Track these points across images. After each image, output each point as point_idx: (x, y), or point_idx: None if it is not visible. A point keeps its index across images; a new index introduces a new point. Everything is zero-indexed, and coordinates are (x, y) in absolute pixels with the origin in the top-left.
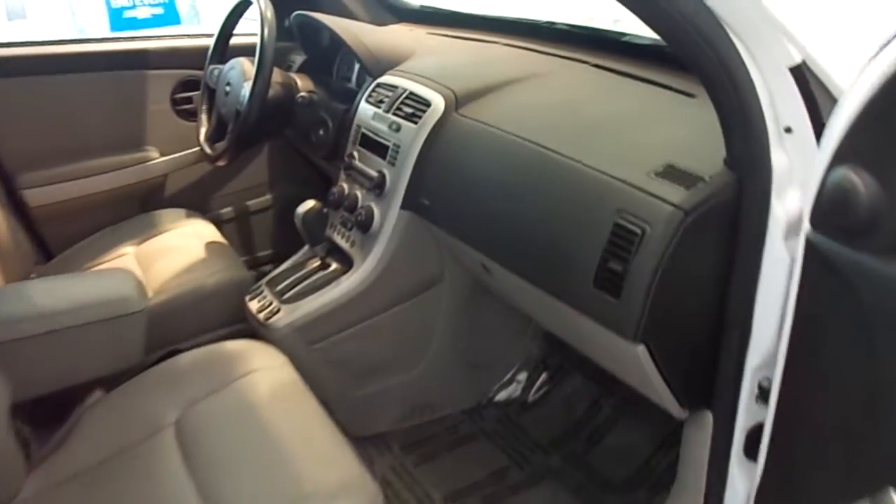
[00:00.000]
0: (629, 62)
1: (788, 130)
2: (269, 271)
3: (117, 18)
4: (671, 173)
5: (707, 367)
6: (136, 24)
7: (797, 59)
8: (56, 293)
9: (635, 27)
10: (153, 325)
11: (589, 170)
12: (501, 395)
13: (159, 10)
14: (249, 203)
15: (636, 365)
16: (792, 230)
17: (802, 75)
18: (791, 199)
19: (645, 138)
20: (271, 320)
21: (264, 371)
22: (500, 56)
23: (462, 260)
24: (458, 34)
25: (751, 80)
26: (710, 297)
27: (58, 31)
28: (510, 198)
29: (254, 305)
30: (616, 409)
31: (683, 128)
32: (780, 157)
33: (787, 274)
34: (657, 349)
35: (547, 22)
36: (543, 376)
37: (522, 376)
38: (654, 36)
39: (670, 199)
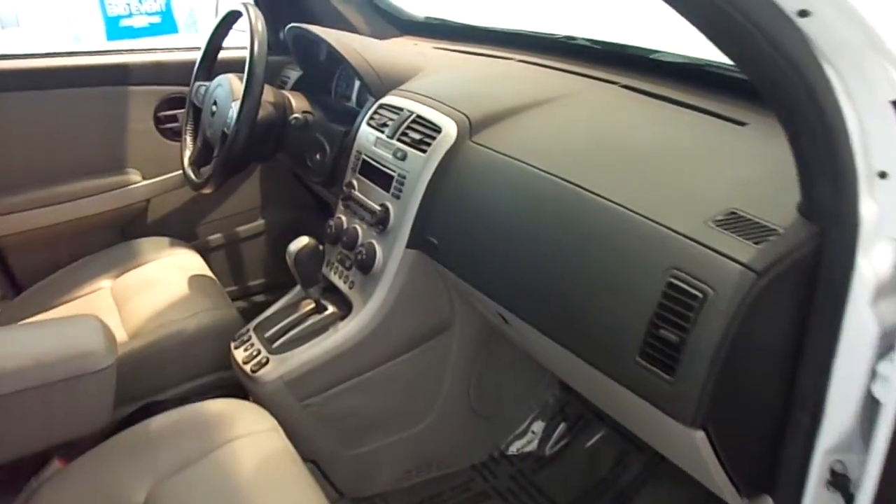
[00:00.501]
0: (663, 84)
1: (883, 176)
2: (262, 303)
3: (114, 27)
4: (735, 223)
5: (770, 448)
6: (132, 32)
7: None
8: (6, 347)
9: (667, 44)
10: (126, 374)
11: (635, 216)
12: (515, 448)
13: (156, 19)
14: (240, 229)
15: (690, 451)
16: (881, 293)
17: None
18: (881, 257)
19: (697, 178)
20: (259, 373)
21: (249, 438)
22: (516, 75)
23: (475, 306)
24: (467, 49)
25: (843, 116)
26: (778, 371)
27: (52, 39)
28: (535, 243)
29: (240, 354)
30: (645, 466)
31: (740, 164)
32: (869, 207)
33: (873, 344)
34: (718, 434)
35: (565, 37)
36: (562, 427)
37: (538, 427)
38: (690, 54)
39: (738, 256)
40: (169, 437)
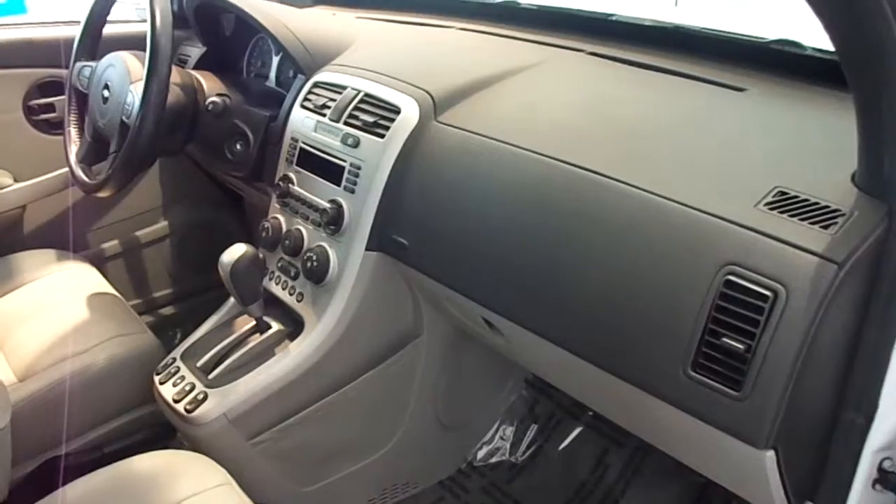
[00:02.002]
0: (632, 49)
1: None
2: (170, 315)
3: None
4: (789, 204)
5: (820, 452)
6: None
7: None
8: None
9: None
10: (21, 426)
11: (673, 204)
12: (484, 458)
13: None
14: (139, 234)
15: (753, 472)
16: None
17: None
18: None
19: (722, 154)
20: (196, 412)
21: (199, 498)
22: (470, 45)
23: (449, 311)
24: (396, 18)
25: None
26: (833, 369)
27: None
28: (536, 238)
29: (168, 391)
30: (627, 463)
31: (760, 135)
32: None
33: None
34: (786, 452)
35: (508, 2)
36: (532, 429)
37: (508, 432)
38: (652, 15)
39: (811, 245)
40: None
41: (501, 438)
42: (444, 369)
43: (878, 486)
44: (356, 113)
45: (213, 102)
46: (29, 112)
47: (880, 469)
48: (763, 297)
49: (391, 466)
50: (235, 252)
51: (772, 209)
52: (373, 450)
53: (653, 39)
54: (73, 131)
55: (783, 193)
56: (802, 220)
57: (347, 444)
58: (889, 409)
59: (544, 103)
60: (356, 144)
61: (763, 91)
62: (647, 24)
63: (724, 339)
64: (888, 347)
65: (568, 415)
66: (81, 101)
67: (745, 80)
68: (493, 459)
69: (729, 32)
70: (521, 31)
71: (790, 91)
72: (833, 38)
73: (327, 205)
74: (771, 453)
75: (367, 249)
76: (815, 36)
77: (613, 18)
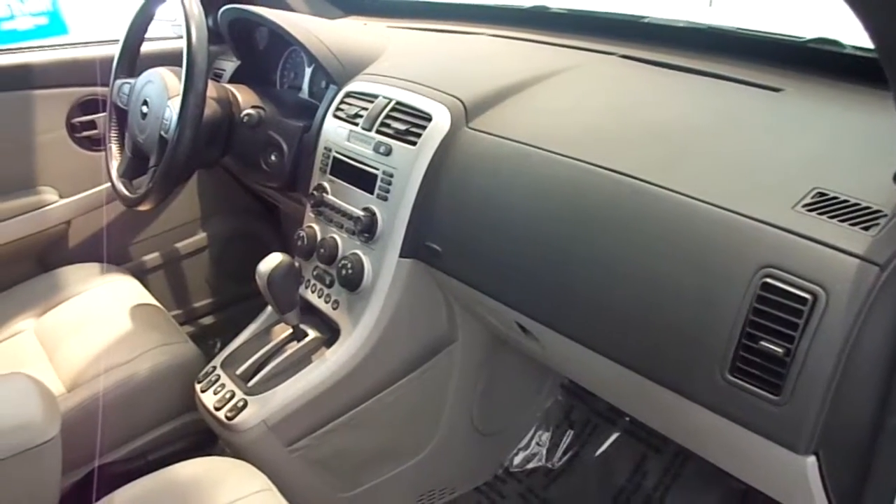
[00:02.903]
0: (664, 51)
1: None
2: (210, 325)
3: None
4: (828, 205)
5: (863, 457)
6: (15, 36)
7: None
8: None
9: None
10: (69, 436)
11: (709, 207)
12: (521, 464)
13: (43, 20)
14: (179, 245)
15: (794, 478)
16: None
17: None
18: None
19: (759, 155)
20: (237, 420)
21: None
22: (500, 51)
23: (483, 317)
24: (426, 26)
25: None
26: (877, 374)
27: None
28: (571, 243)
29: (209, 399)
30: (666, 470)
31: (798, 135)
32: None
33: None
34: (828, 457)
35: (537, 7)
36: (569, 435)
37: (544, 437)
38: (685, 16)
39: (851, 247)
40: None
41: (538, 444)
42: (480, 375)
43: None
44: (388, 121)
45: (248, 115)
46: (72, 130)
47: None
48: (802, 301)
49: (428, 472)
50: (272, 261)
51: (810, 210)
52: (409, 455)
53: (686, 41)
54: (113, 147)
55: (822, 194)
56: (842, 221)
57: (384, 450)
58: None
59: (576, 108)
60: (388, 152)
61: (800, 91)
62: (680, 25)
63: (763, 343)
64: None
65: (604, 420)
66: (122, 117)
67: (782, 81)
68: (530, 465)
69: (764, 32)
70: (552, 35)
71: (828, 90)
72: (871, 35)
73: (361, 213)
74: (812, 459)
75: (400, 256)
76: (853, 34)
77: (646, 21)
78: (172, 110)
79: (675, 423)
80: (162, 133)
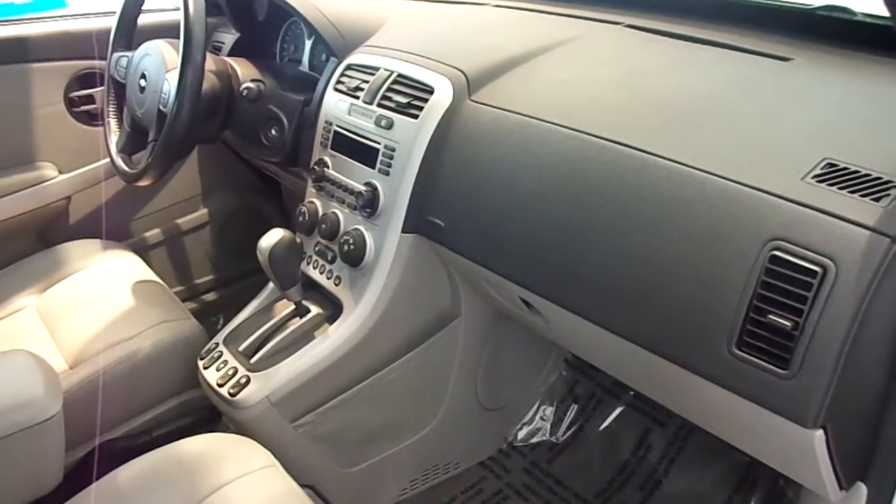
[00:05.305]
0: (673, 20)
1: None
2: (213, 301)
3: None
4: (839, 176)
5: (870, 431)
6: (11, 9)
7: None
8: None
9: None
10: (72, 413)
11: (716, 179)
12: (525, 438)
13: None
14: (180, 222)
15: (801, 452)
16: None
17: None
18: None
19: (769, 125)
20: (240, 396)
21: (245, 479)
22: (503, 21)
23: (488, 292)
24: None
25: None
26: (885, 345)
27: None
28: (575, 216)
29: (212, 375)
30: (670, 443)
31: (808, 105)
32: None
33: None
34: (835, 431)
35: None
36: (573, 409)
37: (548, 412)
38: None
39: (861, 219)
40: (149, 489)
41: (542, 419)
42: (484, 350)
43: None
44: (389, 94)
45: (247, 88)
46: (70, 104)
47: None
48: (811, 273)
49: (432, 447)
50: (273, 237)
51: (820, 181)
52: (414, 431)
53: (693, 9)
54: (112, 122)
55: (832, 165)
56: (853, 192)
57: (388, 426)
58: None
59: (580, 79)
60: (390, 126)
61: (810, 60)
62: None
63: (771, 317)
64: None
65: (608, 394)
66: (120, 91)
67: (791, 50)
68: (534, 440)
69: (773, 0)
70: (556, 5)
71: (839, 59)
72: (887, 1)
73: (363, 188)
74: (820, 433)
75: (403, 231)
76: (864, 1)
77: None
78: (171, 84)
79: (681, 397)
80: (161, 107)
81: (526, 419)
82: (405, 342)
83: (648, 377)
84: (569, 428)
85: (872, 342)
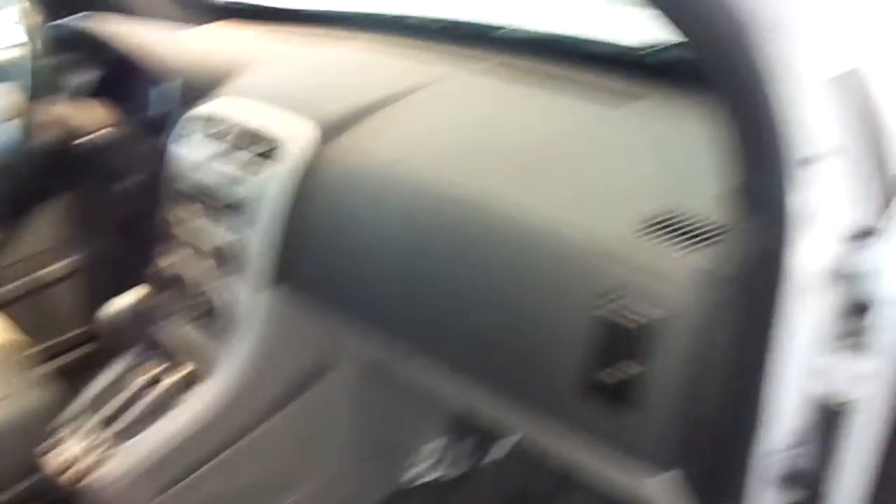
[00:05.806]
0: (536, 61)
1: (812, 162)
2: (89, 355)
3: None
4: (667, 225)
5: (720, 463)
6: None
7: (845, 69)
8: None
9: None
10: None
11: (548, 232)
12: (413, 479)
13: None
14: (40, 274)
15: (658, 492)
16: (816, 286)
17: (850, 87)
18: (817, 245)
19: (607, 174)
20: (96, 474)
21: None
22: (361, 63)
23: (358, 341)
24: (297, 33)
25: (782, 94)
26: (725, 385)
27: None
28: (429, 268)
29: (58, 457)
30: (560, 474)
31: (640, 152)
32: (807, 193)
33: (810, 340)
34: (688, 468)
35: (396, 16)
36: (462, 447)
37: (437, 451)
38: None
39: (691, 266)
40: None
41: (430, 459)
42: (364, 398)
43: (778, 487)
44: (243, 144)
45: (96, 136)
46: None
47: (778, 471)
48: (645, 325)
49: (320, 500)
50: (122, 300)
51: (651, 232)
52: (297, 486)
53: (547, 50)
54: None
55: (662, 214)
56: (685, 239)
57: (270, 485)
58: (779, 412)
59: (436, 127)
60: (246, 177)
61: (651, 105)
62: (540, 34)
63: (608, 370)
64: (765, 351)
65: (496, 431)
66: None
67: (635, 91)
68: (424, 480)
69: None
70: (416, 44)
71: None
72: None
73: (219, 243)
74: (675, 473)
75: (266, 285)
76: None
77: (511, 30)
78: (11, 133)
79: (546, 438)
80: None
81: (414, 461)
82: (278, 398)
83: (517, 423)
84: (459, 465)
85: (712, 382)
